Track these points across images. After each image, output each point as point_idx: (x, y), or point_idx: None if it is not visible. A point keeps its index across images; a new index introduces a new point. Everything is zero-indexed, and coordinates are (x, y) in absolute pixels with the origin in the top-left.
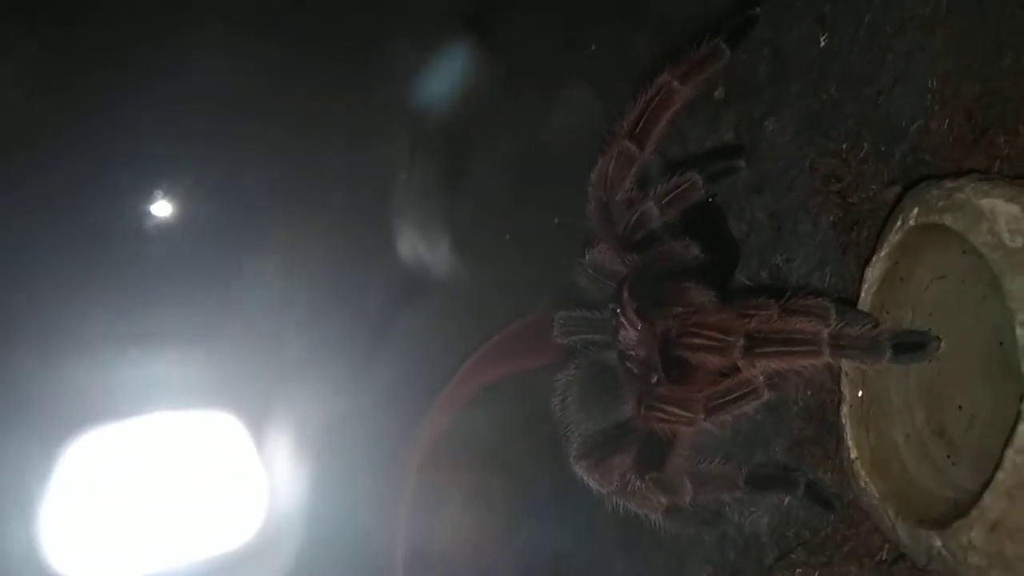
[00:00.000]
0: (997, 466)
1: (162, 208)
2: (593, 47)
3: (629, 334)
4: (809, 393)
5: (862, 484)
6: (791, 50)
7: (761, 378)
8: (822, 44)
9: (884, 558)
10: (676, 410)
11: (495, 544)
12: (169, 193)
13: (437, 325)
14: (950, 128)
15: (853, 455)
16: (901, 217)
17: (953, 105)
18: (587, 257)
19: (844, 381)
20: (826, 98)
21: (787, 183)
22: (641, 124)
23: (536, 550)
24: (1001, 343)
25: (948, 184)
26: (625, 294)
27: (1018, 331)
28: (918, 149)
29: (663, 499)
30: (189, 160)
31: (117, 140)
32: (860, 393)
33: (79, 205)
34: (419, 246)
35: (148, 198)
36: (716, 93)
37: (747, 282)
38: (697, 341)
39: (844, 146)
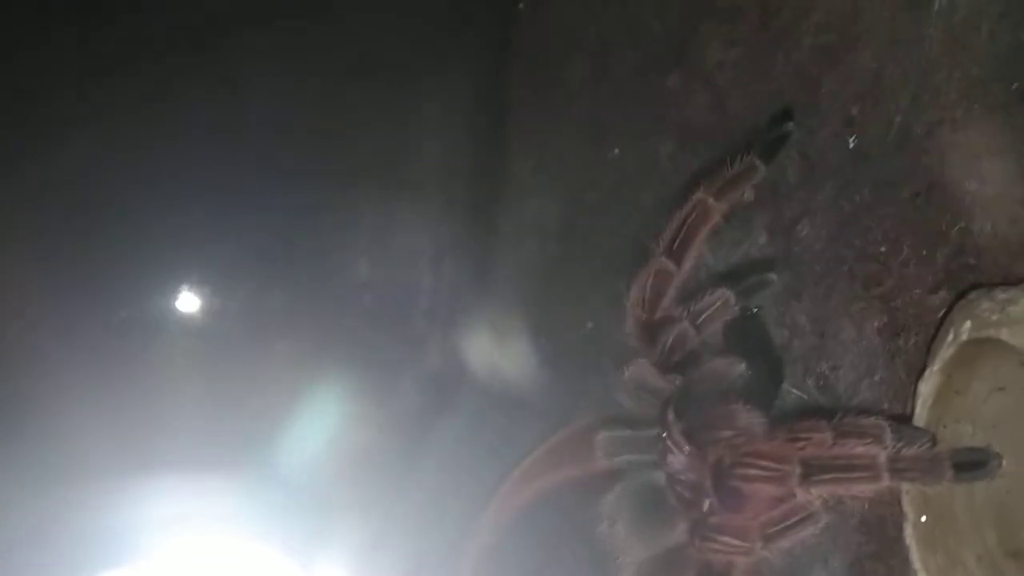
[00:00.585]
0: None
1: (183, 307)
2: (616, 151)
3: (677, 458)
4: (867, 506)
5: None
6: (820, 152)
7: (818, 503)
8: (851, 145)
9: None
10: (732, 540)
11: None
12: (190, 292)
13: (473, 434)
14: (994, 231)
15: None
16: (952, 331)
17: (995, 207)
18: (627, 373)
19: (906, 500)
20: (859, 200)
21: (826, 288)
22: (678, 242)
23: None
24: None
25: (1000, 295)
26: (670, 416)
27: None
28: (962, 253)
29: None
30: (208, 261)
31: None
32: (924, 515)
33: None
34: (450, 354)
35: (167, 302)
36: (745, 195)
37: (795, 391)
38: (751, 472)
39: (883, 249)
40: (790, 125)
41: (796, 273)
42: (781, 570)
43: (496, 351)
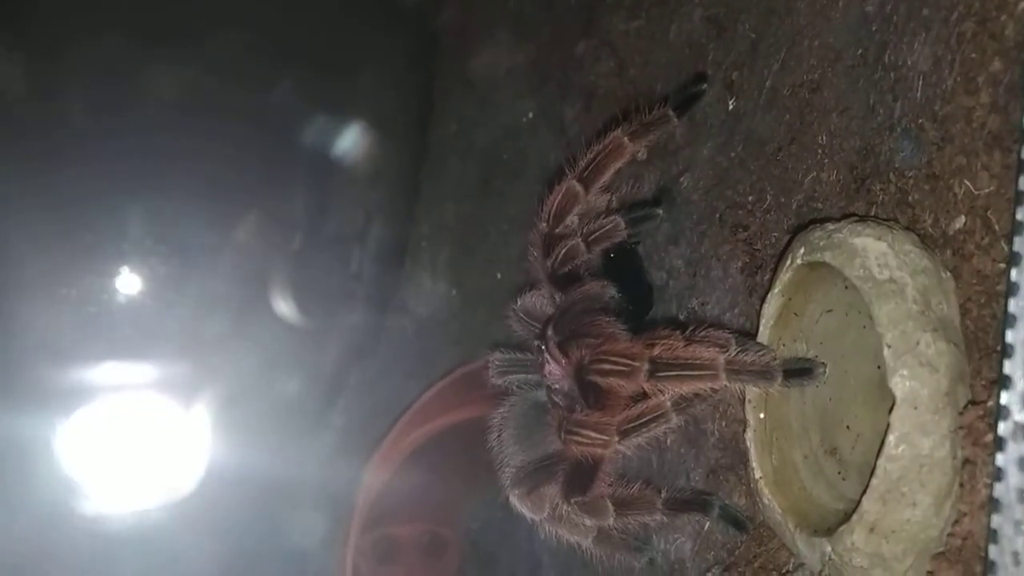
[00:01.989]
0: (872, 473)
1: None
2: (530, 115)
3: (553, 368)
4: (724, 424)
5: (766, 501)
6: (704, 113)
7: (669, 403)
8: (730, 107)
9: (788, 569)
10: (592, 433)
11: None
12: (136, 258)
13: (388, 377)
14: (837, 179)
15: (757, 475)
16: (790, 257)
17: (839, 158)
18: (519, 303)
19: (748, 408)
20: (734, 156)
21: (700, 234)
22: (590, 169)
23: None
24: (879, 367)
25: (830, 226)
26: (550, 331)
27: (885, 352)
28: (812, 198)
29: (588, 522)
30: (157, 229)
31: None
32: (762, 416)
33: None
34: (371, 304)
35: (113, 263)
36: (639, 154)
37: (665, 321)
38: (606, 367)
39: (750, 198)
40: (703, 86)
41: (676, 221)
42: (647, 482)
43: (414, 303)
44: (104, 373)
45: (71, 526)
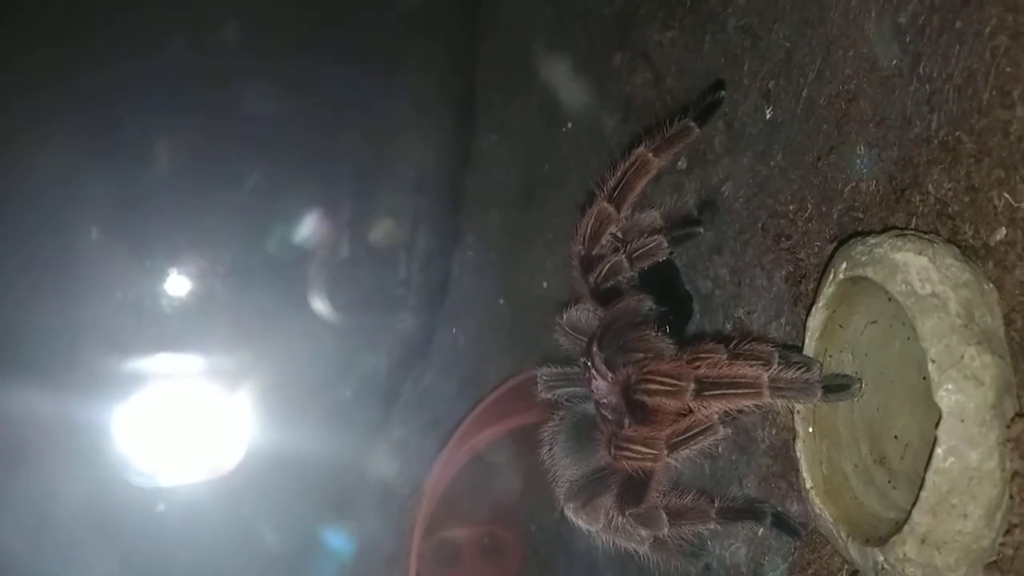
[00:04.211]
0: (921, 486)
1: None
2: (569, 125)
3: (600, 384)
4: (774, 432)
5: (817, 511)
6: (742, 123)
7: (716, 416)
8: (768, 117)
9: None
10: (641, 448)
11: None
12: (187, 275)
13: (441, 386)
14: (877, 189)
15: (808, 485)
16: (833, 271)
17: (878, 168)
18: (564, 317)
19: (797, 419)
20: (773, 165)
21: (744, 243)
22: (619, 189)
23: None
24: (924, 378)
25: (871, 240)
26: (594, 348)
27: (930, 366)
28: (852, 208)
29: (644, 532)
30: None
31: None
32: (811, 429)
33: None
34: (420, 312)
35: (172, 280)
36: (680, 164)
37: (710, 334)
38: (652, 387)
39: (791, 207)
40: (722, 93)
41: (719, 231)
42: (700, 490)
43: (462, 312)
44: (158, 363)
45: (125, 497)
